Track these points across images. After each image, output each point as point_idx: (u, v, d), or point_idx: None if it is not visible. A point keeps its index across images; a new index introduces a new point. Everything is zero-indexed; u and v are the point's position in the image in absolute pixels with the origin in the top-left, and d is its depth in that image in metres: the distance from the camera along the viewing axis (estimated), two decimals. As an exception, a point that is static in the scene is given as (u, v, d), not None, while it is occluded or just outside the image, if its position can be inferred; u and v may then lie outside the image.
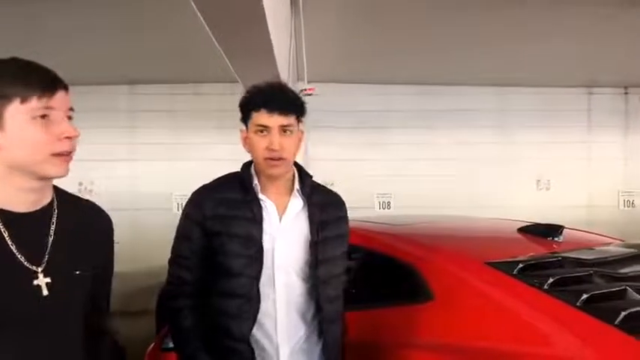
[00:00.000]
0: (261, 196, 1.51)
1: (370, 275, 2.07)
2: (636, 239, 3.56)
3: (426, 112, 6.18)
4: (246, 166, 1.59)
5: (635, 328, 1.35)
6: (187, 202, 1.59)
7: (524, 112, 6.24)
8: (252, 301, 1.45)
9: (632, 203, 6.32)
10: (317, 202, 1.56)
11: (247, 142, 1.52)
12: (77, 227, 1.06)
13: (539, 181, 6.30)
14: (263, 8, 1.89)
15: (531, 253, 1.83)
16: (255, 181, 1.52)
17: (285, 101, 1.48)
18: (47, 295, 0.97)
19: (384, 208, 6.23)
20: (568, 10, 3.65)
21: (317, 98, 5.94)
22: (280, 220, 1.51)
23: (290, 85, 3.43)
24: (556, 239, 2.03)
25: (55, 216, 1.02)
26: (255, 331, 1.46)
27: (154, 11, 3.53)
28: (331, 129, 6.09)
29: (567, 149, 6.26)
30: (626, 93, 6.36)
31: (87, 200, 1.15)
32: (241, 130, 1.55)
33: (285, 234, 1.51)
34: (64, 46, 4.10)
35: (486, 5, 3.52)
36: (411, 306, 1.78)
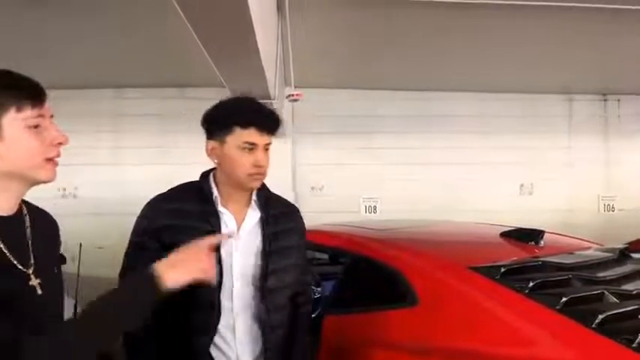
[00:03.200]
0: (220, 208, 1.52)
1: (356, 280, 2.08)
2: (616, 242, 3.67)
3: (411, 117, 6.24)
4: (205, 176, 1.59)
5: (610, 330, 1.39)
6: (142, 211, 1.58)
7: (507, 118, 6.34)
8: (213, 312, 1.45)
9: (612, 207, 6.46)
10: (272, 214, 1.58)
11: (219, 154, 1.51)
12: (42, 230, 1.11)
13: (522, 185, 6.40)
14: (250, 13, 1.90)
15: (513, 258, 1.87)
16: (216, 193, 1.53)
17: (274, 122, 1.55)
18: (41, 295, 1.01)
19: (370, 213, 6.26)
20: (548, 20, 3.73)
21: (304, 103, 6.02)
22: (238, 231, 1.52)
23: (277, 90, 3.47)
24: (537, 244, 2.08)
25: (28, 219, 1.07)
26: (215, 342, 1.46)
27: (140, 14, 3.52)
28: (318, 134, 6.12)
29: (549, 154, 6.38)
30: (604, 99, 6.51)
31: (37, 206, 1.18)
32: (209, 141, 1.54)
33: (242, 245, 1.52)
34: (49, 50, 4.06)
35: (469, 13, 3.58)
36: (396, 310, 1.80)
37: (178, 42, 3.29)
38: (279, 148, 5.67)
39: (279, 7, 3.34)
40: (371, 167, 6.16)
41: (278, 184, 6.41)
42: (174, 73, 5.20)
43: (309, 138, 6.09)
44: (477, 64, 5.21)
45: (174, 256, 1.10)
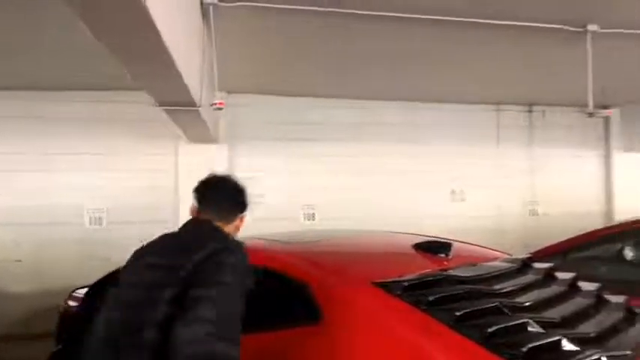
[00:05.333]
0: None
1: (265, 296, 2.04)
2: (539, 244, 3.87)
3: (349, 125, 6.32)
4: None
5: (497, 344, 1.44)
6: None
7: (439, 127, 6.57)
8: None
9: (537, 212, 6.83)
10: None
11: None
12: None
13: (453, 192, 6.63)
14: (151, 19, 1.82)
15: (419, 271, 1.90)
16: None
17: None
18: None
19: (308, 220, 6.27)
20: (479, 35, 3.89)
21: (244, 110, 5.96)
22: None
23: (203, 97, 3.38)
24: (446, 256, 2.13)
25: None
26: None
27: (58, 14, 3.32)
28: (258, 140, 6.06)
29: (479, 162, 6.67)
30: (530, 111, 6.89)
31: None
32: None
33: None
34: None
35: (398, 25, 3.66)
36: (302, 328, 1.78)
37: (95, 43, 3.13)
38: (214, 154, 5.64)
39: (204, 14, 3.26)
40: (309, 175, 6.17)
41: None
42: (103, 76, 4.96)
43: (246, 144, 6.01)
44: (409, 75, 5.35)
45: None
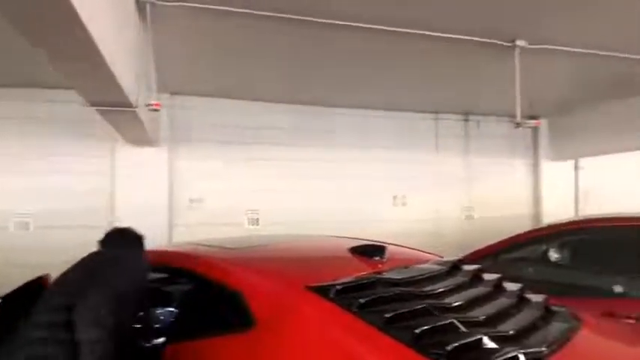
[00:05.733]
0: None
1: (199, 302, 2.00)
2: (475, 246, 4.03)
3: (294, 130, 6.33)
4: None
5: (424, 345, 1.48)
6: None
7: (383, 134, 6.73)
8: None
9: (472, 216, 7.16)
10: None
11: None
12: None
13: (395, 197, 6.81)
14: (76, 11, 1.74)
15: (353, 275, 1.92)
16: None
17: None
18: None
19: (252, 225, 6.20)
20: (420, 45, 4.04)
21: (186, 112, 5.81)
22: None
23: (140, 98, 3.26)
24: (380, 259, 2.18)
25: None
26: None
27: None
28: (201, 143, 5.93)
29: (420, 168, 6.90)
30: (466, 120, 7.22)
31: None
32: None
33: None
34: None
35: (345, 35, 3.72)
36: (235, 335, 1.75)
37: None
38: (154, 157, 5.46)
39: (141, 15, 3.16)
40: (253, 179, 6.12)
41: (152, 195, 6.10)
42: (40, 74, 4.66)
43: (188, 147, 5.87)
44: (358, 83, 5.46)
45: None
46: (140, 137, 4.78)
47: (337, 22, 3.39)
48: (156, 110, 3.07)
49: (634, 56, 4.30)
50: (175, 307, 2.11)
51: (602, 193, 7.40)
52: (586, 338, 1.82)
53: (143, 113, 3.58)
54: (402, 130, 6.82)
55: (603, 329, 2.09)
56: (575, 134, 7.05)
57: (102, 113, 3.48)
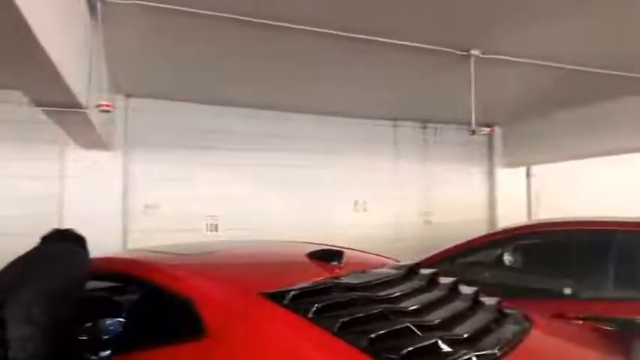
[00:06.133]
0: None
1: (149, 311, 1.92)
2: (433, 250, 4.10)
3: (256, 134, 6.25)
4: None
5: (378, 349, 1.47)
6: None
7: (344, 140, 6.76)
8: None
9: (431, 221, 7.29)
10: None
11: None
12: None
13: (356, 202, 6.84)
14: (19, 11, 1.64)
15: (309, 280, 1.89)
16: None
17: None
18: None
19: (211, 231, 6.07)
20: (379, 54, 4.08)
21: (142, 114, 5.62)
22: None
23: (90, 99, 3.12)
24: (337, 264, 2.16)
25: None
26: None
27: None
28: (157, 147, 5.75)
29: (379, 174, 6.97)
30: (424, 127, 7.37)
31: None
32: None
33: None
34: None
35: (304, 42, 3.72)
36: (186, 344, 1.68)
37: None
38: (107, 161, 5.25)
39: (93, 11, 3.03)
40: (212, 184, 5.99)
41: (105, 201, 5.85)
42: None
43: (144, 151, 5.68)
44: (319, 90, 5.46)
45: None
46: (92, 140, 4.58)
47: (294, 26, 3.36)
48: (107, 111, 2.94)
49: (579, 67, 4.51)
50: (125, 317, 2.01)
51: (552, 198, 7.73)
52: (537, 339, 1.86)
53: (94, 115, 3.43)
54: (362, 136, 6.88)
55: (553, 330, 2.15)
56: (527, 142, 7.33)
57: (50, 115, 3.30)
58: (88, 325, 1.98)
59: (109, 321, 2.02)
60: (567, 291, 3.26)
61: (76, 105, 3.03)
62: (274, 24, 3.34)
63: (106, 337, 1.99)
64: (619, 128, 5.91)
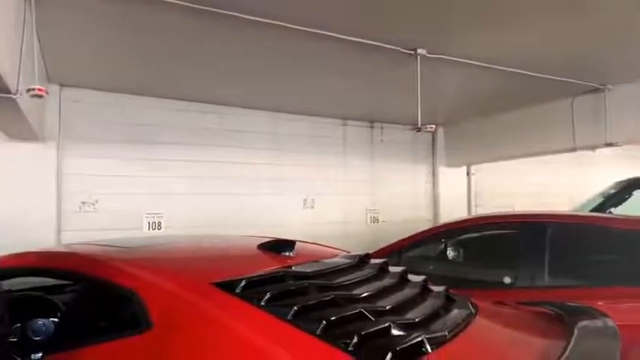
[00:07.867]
0: None
1: (88, 306, 1.79)
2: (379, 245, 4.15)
3: (200, 129, 6.08)
4: None
5: (332, 335, 1.45)
6: None
7: (294, 137, 6.74)
8: None
9: (377, 219, 7.42)
10: None
11: None
12: None
13: (305, 200, 6.83)
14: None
15: (261, 270, 1.85)
16: None
17: None
18: None
19: (154, 229, 5.83)
20: (328, 54, 4.12)
21: (79, 105, 5.30)
22: None
23: (21, 84, 2.90)
24: (289, 254, 2.13)
25: None
26: None
27: None
28: (95, 140, 5.44)
29: (328, 172, 7.01)
30: (371, 126, 7.50)
31: None
32: None
33: None
34: None
35: (252, 34, 3.64)
36: (128, 338, 1.59)
37: None
38: (40, 154, 4.90)
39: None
40: (155, 180, 5.75)
41: (37, 198, 5.48)
42: None
43: (81, 144, 5.36)
44: (270, 86, 5.39)
45: None
46: (24, 131, 4.27)
47: (242, 15, 3.27)
48: (39, 97, 2.72)
49: (519, 70, 4.75)
50: (60, 315, 1.88)
51: (490, 196, 8.12)
52: (483, 322, 1.92)
53: (24, 102, 3.18)
54: (312, 134, 6.89)
55: (497, 313, 2.23)
56: (467, 142, 7.64)
57: (-30, 100, 3.03)
58: (17, 326, 1.83)
59: (40, 321, 1.89)
60: (506, 280, 3.42)
61: (4, 89, 2.79)
62: (220, 12, 3.20)
63: (37, 338, 1.85)
64: (550, 130, 6.30)
